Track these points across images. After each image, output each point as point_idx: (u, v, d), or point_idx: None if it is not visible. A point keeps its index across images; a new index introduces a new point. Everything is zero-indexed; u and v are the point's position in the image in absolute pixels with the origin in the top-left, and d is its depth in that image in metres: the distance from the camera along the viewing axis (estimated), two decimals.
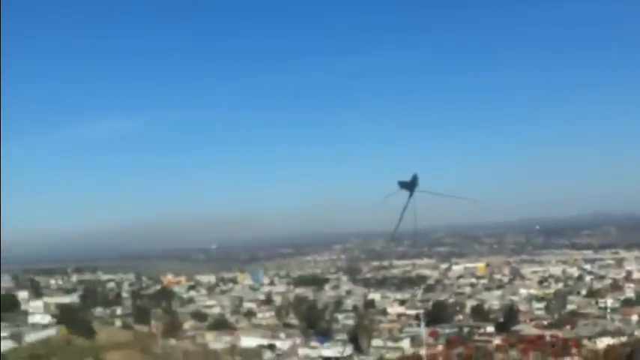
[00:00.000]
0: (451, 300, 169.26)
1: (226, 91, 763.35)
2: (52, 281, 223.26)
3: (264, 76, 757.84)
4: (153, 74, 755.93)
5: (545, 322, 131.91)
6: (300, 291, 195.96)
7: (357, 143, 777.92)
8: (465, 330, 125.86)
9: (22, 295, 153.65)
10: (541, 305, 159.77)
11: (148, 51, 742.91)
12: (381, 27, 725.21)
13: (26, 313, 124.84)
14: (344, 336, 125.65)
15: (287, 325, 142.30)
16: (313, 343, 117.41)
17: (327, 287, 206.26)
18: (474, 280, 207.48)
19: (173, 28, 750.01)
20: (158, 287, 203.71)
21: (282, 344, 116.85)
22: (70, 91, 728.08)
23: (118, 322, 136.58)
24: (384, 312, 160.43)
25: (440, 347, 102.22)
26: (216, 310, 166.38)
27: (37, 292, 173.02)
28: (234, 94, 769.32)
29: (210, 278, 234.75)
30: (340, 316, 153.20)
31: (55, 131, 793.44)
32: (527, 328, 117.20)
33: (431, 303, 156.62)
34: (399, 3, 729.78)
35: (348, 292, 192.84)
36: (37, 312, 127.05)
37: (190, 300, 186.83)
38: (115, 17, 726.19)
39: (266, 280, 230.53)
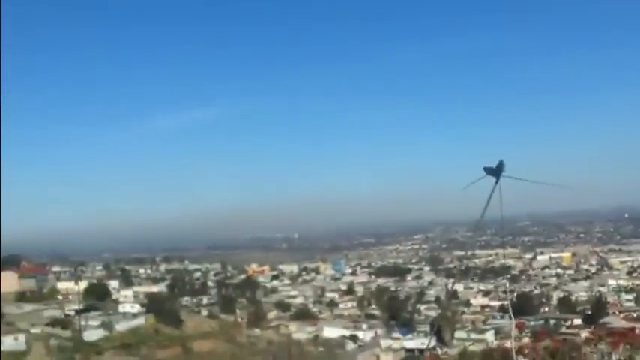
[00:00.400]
0: (536, 291, 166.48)
1: (306, 77, 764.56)
2: (142, 270, 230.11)
3: (338, 63, 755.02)
4: (236, 61, 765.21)
5: (635, 314, 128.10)
6: (382, 281, 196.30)
7: (440, 128, 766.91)
8: (552, 322, 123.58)
9: (113, 284, 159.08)
10: (630, 297, 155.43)
11: (232, 38, 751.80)
12: (475, 7, 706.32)
13: (117, 302, 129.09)
14: (426, 327, 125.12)
15: (369, 316, 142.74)
16: (395, 334, 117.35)
17: (409, 277, 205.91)
18: (559, 271, 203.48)
19: (249, 13, 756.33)
20: (243, 277, 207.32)
21: (364, 335, 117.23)
22: (149, 79, 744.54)
23: (204, 312, 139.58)
24: (467, 303, 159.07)
25: (526, 340, 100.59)
26: (299, 300, 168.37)
27: (127, 281, 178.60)
28: (314, 79, 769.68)
29: (293, 268, 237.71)
30: (422, 307, 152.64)
31: (139, 120, 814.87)
32: (616, 321, 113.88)
33: (515, 294, 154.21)
34: None
35: (431, 283, 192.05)
36: (127, 301, 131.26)
37: (274, 290, 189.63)
38: (189, 3, 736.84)
39: (348, 270, 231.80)
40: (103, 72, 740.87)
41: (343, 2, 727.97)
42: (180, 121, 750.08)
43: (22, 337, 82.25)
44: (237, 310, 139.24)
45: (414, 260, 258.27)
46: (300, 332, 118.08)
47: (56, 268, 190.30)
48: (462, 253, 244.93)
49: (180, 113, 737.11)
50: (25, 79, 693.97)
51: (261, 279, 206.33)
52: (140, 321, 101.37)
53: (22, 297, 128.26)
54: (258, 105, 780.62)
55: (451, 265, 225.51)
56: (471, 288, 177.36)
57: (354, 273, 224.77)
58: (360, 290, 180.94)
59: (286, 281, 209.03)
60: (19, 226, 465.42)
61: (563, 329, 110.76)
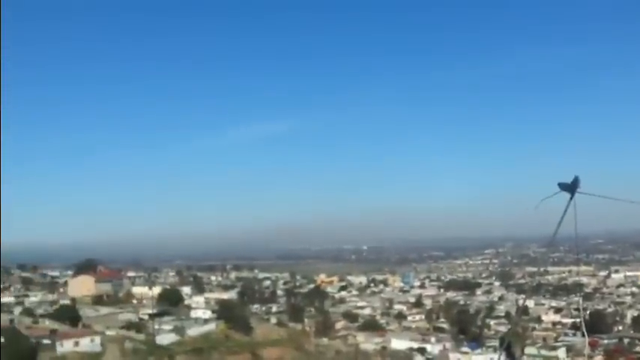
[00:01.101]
0: (610, 309, 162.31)
1: (378, 90, 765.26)
2: (213, 278, 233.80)
3: (418, 74, 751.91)
4: (311, 74, 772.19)
5: None
6: (450, 295, 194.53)
7: (512, 143, 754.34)
8: (626, 341, 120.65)
9: (186, 290, 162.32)
10: None
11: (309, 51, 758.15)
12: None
13: (189, 308, 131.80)
14: (496, 342, 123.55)
15: (437, 329, 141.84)
16: (464, 349, 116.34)
17: (478, 292, 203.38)
18: (635, 290, 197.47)
19: (322, 26, 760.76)
20: (311, 286, 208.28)
21: (433, 348, 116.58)
22: (225, 91, 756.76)
23: (273, 319, 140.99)
24: (538, 319, 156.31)
25: (599, 358, 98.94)
26: (367, 311, 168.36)
27: (199, 288, 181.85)
28: (386, 92, 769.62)
29: (362, 279, 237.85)
30: (492, 322, 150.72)
31: (214, 132, 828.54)
32: None
33: (588, 312, 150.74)
34: None
35: (501, 298, 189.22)
36: (199, 307, 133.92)
37: (342, 300, 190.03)
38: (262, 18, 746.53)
39: (416, 283, 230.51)
40: (177, 85, 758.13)
41: (426, 13, 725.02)
42: (255, 134, 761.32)
43: (97, 339, 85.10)
44: (306, 319, 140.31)
45: (483, 275, 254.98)
46: (367, 343, 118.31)
47: (131, 274, 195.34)
48: (534, 269, 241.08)
49: (254, 126, 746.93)
50: (112, 88, 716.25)
51: (329, 289, 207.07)
52: (211, 327, 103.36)
53: (98, 300, 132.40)
54: (330, 118, 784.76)
55: (522, 281, 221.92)
56: (543, 304, 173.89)
57: (422, 286, 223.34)
58: (428, 303, 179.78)
59: (354, 292, 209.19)
60: (96, 233, 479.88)
61: (638, 348, 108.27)
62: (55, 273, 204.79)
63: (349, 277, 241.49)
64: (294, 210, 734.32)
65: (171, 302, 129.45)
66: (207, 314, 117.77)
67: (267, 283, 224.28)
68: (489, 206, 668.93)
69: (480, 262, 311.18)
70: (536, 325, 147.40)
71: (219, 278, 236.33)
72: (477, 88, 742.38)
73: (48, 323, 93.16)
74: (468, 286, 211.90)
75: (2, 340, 74.55)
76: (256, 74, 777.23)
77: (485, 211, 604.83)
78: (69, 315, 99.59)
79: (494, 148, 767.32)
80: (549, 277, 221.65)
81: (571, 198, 8.75)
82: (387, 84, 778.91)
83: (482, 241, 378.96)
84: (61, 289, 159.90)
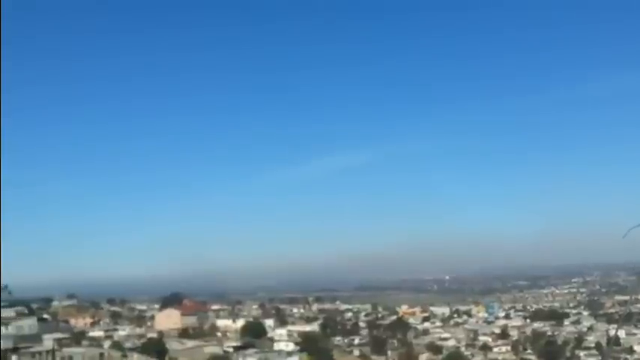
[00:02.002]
0: None
1: (454, 116, 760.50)
2: (295, 310, 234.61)
3: (489, 100, 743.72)
4: (387, 103, 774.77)
5: None
6: (537, 325, 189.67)
7: (600, 167, 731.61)
8: None
9: (268, 322, 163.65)
10: None
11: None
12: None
13: (272, 340, 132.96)
14: None
15: None
16: None
17: (566, 322, 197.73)
18: None
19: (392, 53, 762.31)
20: (394, 318, 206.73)
21: None
22: (306, 124, 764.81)
23: (356, 352, 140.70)
24: (631, 350, 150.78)
25: None
26: (451, 343, 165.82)
27: (281, 320, 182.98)
28: (464, 117, 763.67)
29: (444, 310, 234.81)
30: (582, 354, 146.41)
31: (295, 163, 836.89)
32: None
33: None
34: None
35: (590, 328, 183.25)
36: (282, 339, 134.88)
37: (425, 331, 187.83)
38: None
39: (501, 314, 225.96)
40: (258, 115, 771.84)
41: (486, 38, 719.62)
42: (335, 164, 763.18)
43: None
44: (389, 352, 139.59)
45: (571, 304, 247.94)
46: None
47: (215, 307, 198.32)
48: (625, 297, 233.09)
49: (335, 156, 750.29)
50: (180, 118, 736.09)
51: (412, 320, 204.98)
52: (294, 359, 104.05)
53: (184, 333, 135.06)
54: (406, 147, 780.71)
55: (612, 310, 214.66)
56: (635, 334, 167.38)
57: (507, 316, 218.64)
58: (514, 334, 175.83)
59: (437, 323, 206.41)
60: (181, 266, 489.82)
61: None
62: (143, 307, 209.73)
63: (432, 308, 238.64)
64: (373, 240, 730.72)
65: (254, 335, 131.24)
66: (290, 347, 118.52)
67: (349, 314, 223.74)
68: (575, 233, 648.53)
69: (566, 291, 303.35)
70: (629, 357, 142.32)
71: (302, 310, 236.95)
72: (551, 113, 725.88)
73: (136, 356, 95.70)
74: (555, 316, 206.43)
75: None
76: (336, 105, 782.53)
77: (570, 239, 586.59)
78: (156, 348, 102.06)
79: (577, 173, 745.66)
80: None
81: None
82: (465, 111, 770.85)
83: (569, 269, 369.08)
84: (149, 323, 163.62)
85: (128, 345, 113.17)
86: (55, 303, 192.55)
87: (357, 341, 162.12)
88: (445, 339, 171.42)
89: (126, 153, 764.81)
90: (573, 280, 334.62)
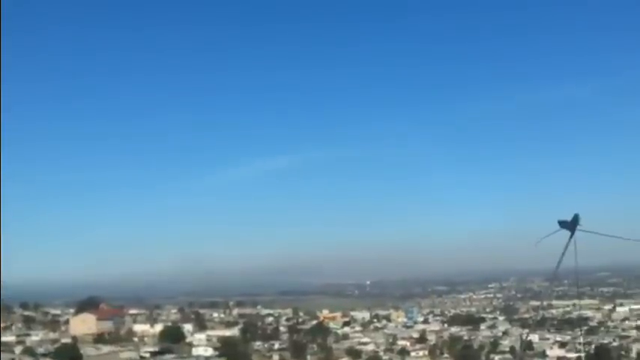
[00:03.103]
0: (615, 343, 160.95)
1: (382, 124, 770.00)
2: (215, 314, 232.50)
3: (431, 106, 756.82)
4: (320, 108, 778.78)
5: None
6: (454, 330, 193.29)
7: (517, 176, 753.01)
8: None
9: (187, 327, 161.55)
10: None
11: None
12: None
13: (191, 345, 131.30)
14: None
15: None
16: None
17: (482, 327, 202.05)
18: None
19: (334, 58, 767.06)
20: (314, 322, 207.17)
21: None
22: (228, 128, 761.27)
23: (276, 357, 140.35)
24: (543, 354, 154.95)
25: None
26: (371, 347, 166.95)
27: (200, 325, 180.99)
28: (391, 126, 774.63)
29: (365, 315, 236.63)
30: (497, 358, 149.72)
31: (215, 168, 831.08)
32: None
33: (593, 346, 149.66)
34: None
35: (505, 333, 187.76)
36: (201, 344, 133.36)
37: (345, 336, 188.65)
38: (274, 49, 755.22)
39: (420, 318, 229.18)
40: (190, 117, 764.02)
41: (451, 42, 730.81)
42: (257, 169, 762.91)
43: None
44: (309, 356, 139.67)
45: (487, 309, 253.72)
46: None
47: (133, 311, 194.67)
48: (538, 303, 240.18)
49: (256, 161, 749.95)
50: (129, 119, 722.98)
51: (332, 325, 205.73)
52: None
53: (100, 339, 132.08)
54: (334, 152, 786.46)
55: (526, 315, 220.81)
56: (547, 339, 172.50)
57: (426, 321, 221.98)
58: (432, 339, 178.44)
59: (357, 328, 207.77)
60: (97, 270, 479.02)
61: None
62: (57, 311, 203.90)
63: (352, 313, 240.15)
64: (295, 246, 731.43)
65: (172, 340, 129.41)
66: (209, 352, 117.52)
67: (270, 319, 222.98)
68: (492, 240, 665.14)
69: (483, 296, 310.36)
70: None
71: (222, 315, 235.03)
72: (480, 122, 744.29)
73: None
74: (472, 321, 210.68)
75: None
76: (261, 107, 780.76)
77: (488, 245, 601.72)
78: (70, 354, 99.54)
79: (496, 183, 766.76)
80: (553, 311, 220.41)
81: (571, 236, 9.30)
82: (401, 117, 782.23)
83: (486, 274, 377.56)
84: (63, 328, 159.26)
85: (41, 350, 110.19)
86: None
87: (277, 346, 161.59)
88: (364, 343, 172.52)
89: (47, 154, 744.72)
90: (490, 285, 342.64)
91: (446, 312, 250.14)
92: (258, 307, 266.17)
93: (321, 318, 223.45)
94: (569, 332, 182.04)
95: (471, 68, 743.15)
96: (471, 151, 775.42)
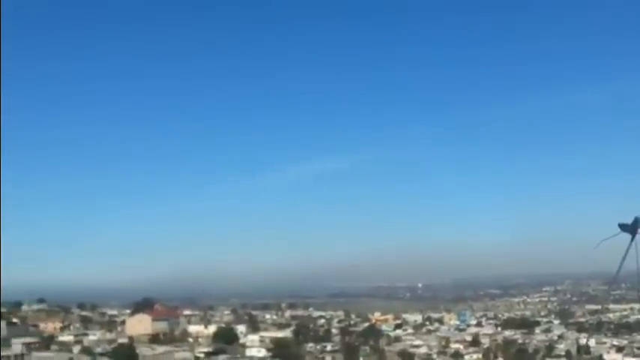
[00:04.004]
0: None
1: (432, 126, 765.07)
2: (268, 316, 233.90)
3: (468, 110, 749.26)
4: (363, 110, 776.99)
5: None
6: (508, 333, 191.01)
7: (573, 178, 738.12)
8: None
9: (240, 328, 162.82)
10: None
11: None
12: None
13: (244, 346, 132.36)
14: None
15: None
16: None
17: (537, 330, 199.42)
18: None
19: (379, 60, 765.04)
20: (366, 325, 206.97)
21: None
22: (279, 130, 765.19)
23: (328, 358, 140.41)
24: (600, 358, 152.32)
25: None
26: (423, 350, 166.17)
27: (253, 326, 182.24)
28: (441, 127, 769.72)
29: (417, 317, 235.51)
30: None
31: (267, 170, 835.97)
32: None
33: None
34: None
35: (560, 337, 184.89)
36: (254, 345, 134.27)
37: (397, 338, 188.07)
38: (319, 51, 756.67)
39: (473, 321, 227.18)
40: (237, 121, 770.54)
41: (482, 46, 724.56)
42: (310, 171, 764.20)
43: None
44: (361, 358, 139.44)
45: (542, 313, 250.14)
46: None
47: (187, 312, 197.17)
48: (594, 306, 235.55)
49: (311, 163, 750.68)
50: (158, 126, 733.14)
51: (384, 327, 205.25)
52: None
53: (155, 339, 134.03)
54: (384, 154, 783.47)
55: (582, 319, 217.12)
56: (604, 343, 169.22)
57: (479, 324, 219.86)
58: (485, 342, 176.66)
59: (410, 330, 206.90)
60: (153, 272, 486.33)
61: None
62: (114, 312, 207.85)
63: (404, 315, 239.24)
64: (347, 248, 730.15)
65: (226, 341, 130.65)
66: (262, 353, 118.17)
67: (322, 321, 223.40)
68: (547, 243, 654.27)
69: (538, 299, 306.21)
70: None
71: (274, 317, 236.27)
72: (528, 123, 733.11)
73: None
74: (526, 325, 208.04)
75: None
76: (315, 111, 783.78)
77: (543, 248, 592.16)
78: (126, 354, 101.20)
79: (554, 184, 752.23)
80: (610, 315, 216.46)
81: (632, 239, 9.03)
82: (433, 121, 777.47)
83: (540, 278, 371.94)
84: (119, 328, 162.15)
85: (98, 350, 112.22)
86: (24, 307, 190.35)
87: (329, 348, 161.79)
88: (417, 346, 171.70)
89: (96, 157, 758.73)
90: (545, 289, 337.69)
91: (499, 315, 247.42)
92: (310, 309, 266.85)
93: (373, 320, 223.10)
94: (627, 336, 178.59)
95: (494, 71, 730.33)
96: (510, 154, 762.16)
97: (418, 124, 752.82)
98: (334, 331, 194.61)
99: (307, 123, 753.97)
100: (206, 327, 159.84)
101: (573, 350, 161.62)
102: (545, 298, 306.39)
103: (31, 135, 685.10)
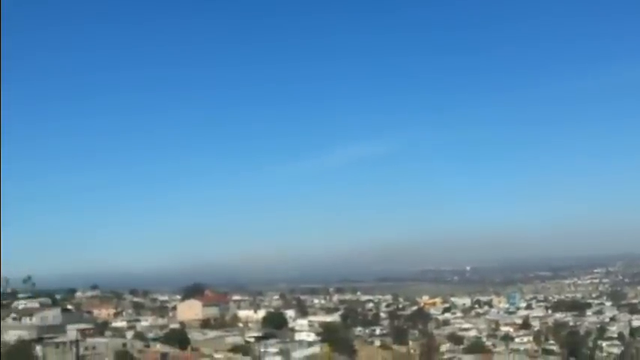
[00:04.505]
0: None
1: (473, 108, 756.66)
2: (316, 300, 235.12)
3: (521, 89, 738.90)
4: (408, 93, 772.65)
5: None
6: (559, 316, 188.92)
7: (625, 156, 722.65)
8: None
9: (290, 313, 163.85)
10: None
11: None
12: None
13: (293, 331, 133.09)
14: None
15: (546, 352, 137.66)
16: None
17: (589, 312, 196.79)
18: None
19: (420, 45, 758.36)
20: (415, 308, 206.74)
21: None
22: (327, 114, 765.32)
23: (377, 342, 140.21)
24: None
25: None
26: (472, 333, 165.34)
27: (302, 311, 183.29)
28: (483, 109, 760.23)
29: (465, 300, 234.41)
30: (604, 344, 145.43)
31: (314, 154, 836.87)
32: None
33: None
34: None
35: (613, 319, 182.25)
36: (303, 330, 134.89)
37: (446, 322, 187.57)
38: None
39: (523, 304, 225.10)
40: (278, 107, 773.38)
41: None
42: (355, 154, 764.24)
43: None
44: (410, 342, 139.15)
45: (593, 295, 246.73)
46: None
47: (236, 297, 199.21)
48: None
49: (355, 146, 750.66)
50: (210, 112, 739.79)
51: (432, 311, 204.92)
52: (315, 350, 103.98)
53: (206, 324, 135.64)
54: (429, 137, 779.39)
55: (635, 301, 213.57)
56: None
57: (529, 307, 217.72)
58: (536, 325, 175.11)
59: (458, 314, 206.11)
60: (202, 257, 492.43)
61: None
62: (165, 297, 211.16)
63: (452, 299, 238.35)
64: (394, 232, 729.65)
65: (275, 325, 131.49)
66: (312, 337, 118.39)
67: (370, 305, 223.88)
68: (598, 224, 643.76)
69: (589, 281, 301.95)
70: None
71: (322, 301, 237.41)
72: (585, 99, 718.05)
73: (159, 347, 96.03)
74: (578, 307, 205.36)
75: None
76: (358, 95, 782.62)
77: (593, 229, 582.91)
78: (178, 338, 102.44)
79: (605, 163, 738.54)
80: None
81: None
82: (486, 102, 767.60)
83: (591, 259, 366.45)
84: (171, 314, 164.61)
85: (151, 335, 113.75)
86: (78, 294, 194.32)
87: (378, 332, 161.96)
88: (466, 329, 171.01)
89: (144, 145, 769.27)
90: (596, 270, 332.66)
91: (549, 297, 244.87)
92: (358, 293, 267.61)
93: (422, 304, 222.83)
94: None
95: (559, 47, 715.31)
96: (565, 133, 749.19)
97: (468, 106, 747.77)
98: (382, 314, 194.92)
99: (353, 106, 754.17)
100: (255, 312, 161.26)
101: (626, 332, 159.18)
102: (597, 280, 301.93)
103: (87, 125, 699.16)
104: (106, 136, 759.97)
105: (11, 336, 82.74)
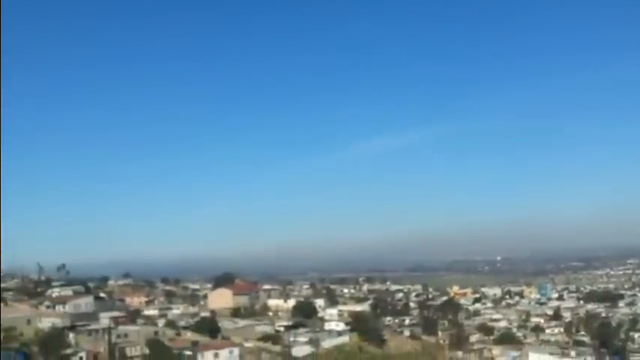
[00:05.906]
0: None
1: (504, 97, 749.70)
2: (345, 290, 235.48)
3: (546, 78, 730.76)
4: (440, 84, 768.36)
5: None
6: (591, 307, 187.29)
7: None
8: None
9: (319, 302, 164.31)
10: None
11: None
12: None
13: (323, 320, 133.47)
14: None
15: (577, 343, 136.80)
16: None
17: (621, 304, 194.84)
18: None
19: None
20: (444, 299, 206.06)
21: None
22: (357, 105, 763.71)
23: (407, 332, 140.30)
24: None
25: None
26: (503, 324, 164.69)
27: (332, 300, 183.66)
28: (514, 99, 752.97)
29: (496, 291, 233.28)
30: (636, 335, 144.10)
31: (346, 145, 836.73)
32: None
33: None
34: None
35: None
36: (333, 319, 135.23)
37: (476, 312, 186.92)
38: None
39: (554, 295, 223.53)
40: (308, 99, 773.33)
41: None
42: (386, 145, 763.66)
43: (236, 350, 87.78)
44: (440, 332, 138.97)
45: (626, 286, 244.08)
46: (503, 357, 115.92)
47: (266, 287, 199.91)
48: None
49: (385, 137, 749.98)
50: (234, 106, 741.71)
51: (462, 301, 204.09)
52: (345, 339, 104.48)
53: (236, 313, 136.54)
54: (459, 128, 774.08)
55: None
56: None
57: (560, 298, 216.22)
58: (567, 316, 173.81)
59: (489, 304, 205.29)
60: (232, 247, 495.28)
61: None
62: (196, 286, 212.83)
63: (483, 289, 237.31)
64: (424, 222, 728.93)
65: (305, 314, 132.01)
66: (341, 326, 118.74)
67: (400, 295, 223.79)
68: (630, 214, 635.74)
69: (622, 272, 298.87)
70: None
71: (352, 290, 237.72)
72: (623, 89, 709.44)
73: (190, 335, 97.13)
74: (610, 298, 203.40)
75: (148, 351, 78.58)
76: (390, 85, 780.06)
77: (626, 219, 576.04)
78: (209, 327, 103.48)
79: (631, 153, 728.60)
80: None
81: None
82: (518, 91, 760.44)
83: (624, 250, 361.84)
84: (202, 302, 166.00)
85: (182, 323, 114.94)
86: (111, 282, 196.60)
87: (407, 321, 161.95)
88: (496, 320, 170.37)
89: (178, 136, 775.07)
90: (629, 261, 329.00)
91: (581, 288, 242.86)
92: (388, 283, 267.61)
93: (452, 294, 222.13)
94: None
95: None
96: (595, 124, 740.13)
97: (506, 95, 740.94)
98: (412, 304, 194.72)
99: (392, 97, 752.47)
100: (285, 301, 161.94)
101: None
102: (630, 271, 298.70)
103: (122, 118, 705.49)
104: (143, 127, 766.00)
105: (45, 323, 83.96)
